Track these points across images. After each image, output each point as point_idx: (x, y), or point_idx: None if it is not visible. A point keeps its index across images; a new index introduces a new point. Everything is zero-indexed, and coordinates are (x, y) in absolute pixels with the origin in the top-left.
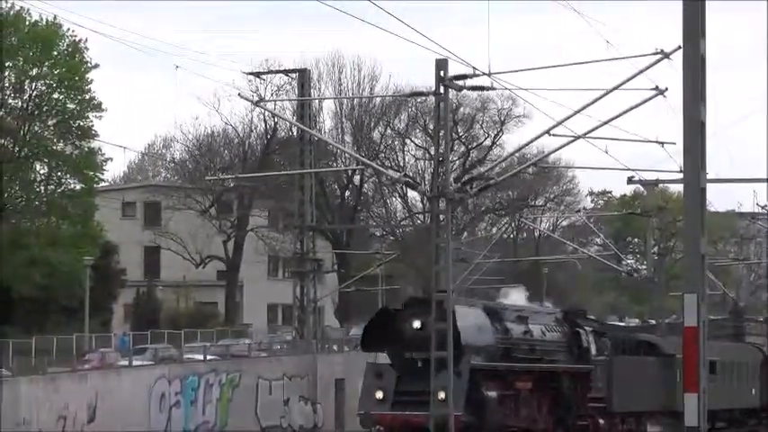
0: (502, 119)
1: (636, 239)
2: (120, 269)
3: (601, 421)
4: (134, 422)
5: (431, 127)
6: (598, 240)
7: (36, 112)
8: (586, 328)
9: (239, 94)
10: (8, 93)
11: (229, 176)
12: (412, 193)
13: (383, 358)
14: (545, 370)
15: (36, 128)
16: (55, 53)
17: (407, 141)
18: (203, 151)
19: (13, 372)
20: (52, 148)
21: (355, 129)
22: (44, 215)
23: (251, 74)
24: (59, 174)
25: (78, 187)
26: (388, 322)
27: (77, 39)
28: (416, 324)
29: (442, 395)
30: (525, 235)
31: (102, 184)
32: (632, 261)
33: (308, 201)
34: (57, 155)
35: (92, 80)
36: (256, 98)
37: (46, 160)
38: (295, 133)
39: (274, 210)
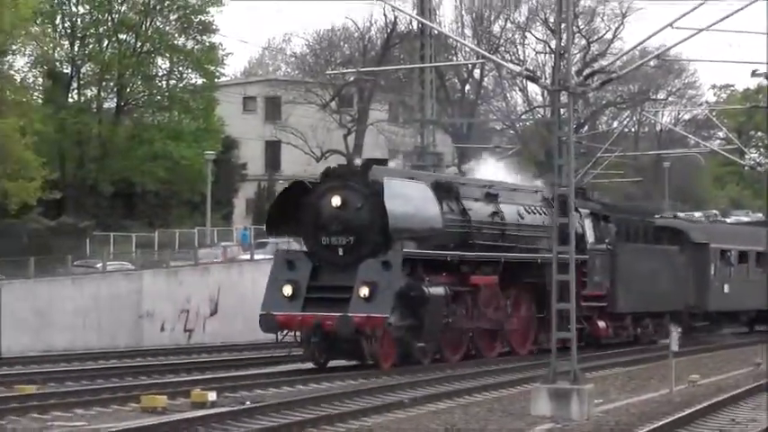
0: (623, 11)
1: (759, 133)
2: (241, 163)
3: (601, 324)
4: (256, 316)
5: (551, 20)
6: (720, 134)
7: (157, 7)
8: (582, 210)
9: None
10: None
11: (350, 71)
12: (532, 87)
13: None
14: (513, 260)
15: (158, 23)
16: None
17: (527, 35)
18: (323, 45)
19: (136, 265)
20: (174, 42)
21: (475, 22)
22: (166, 110)
23: None
24: (181, 68)
25: (200, 82)
26: (302, 199)
27: None
28: (336, 201)
29: (364, 291)
30: (647, 129)
31: (223, 78)
32: (756, 155)
33: (428, 94)
34: (178, 50)
35: None
36: None
37: (167, 55)
38: (415, 27)
39: (395, 104)
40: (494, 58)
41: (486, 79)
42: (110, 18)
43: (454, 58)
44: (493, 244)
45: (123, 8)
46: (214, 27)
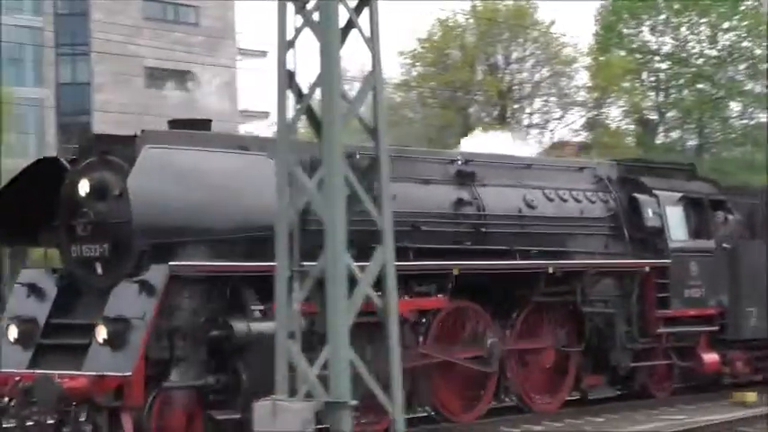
0: None
1: None
2: None
3: (708, 357)
4: None
5: None
6: None
7: (728, 59)
8: (661, 193)
9: None
10: (704, 44)
11: None
12: None
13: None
14: (485, 270)
15: (729, 72)
16: (742, 8)
17: None
18: None
19: None
20: (744, 88)
21: None
22: (741, 145)
23: None
24: (751, 110)
25: None
26: (49, 184)
27: None
28: (83, 187)
29: (103, 335)
30: None
31: None
32: None
33: None
34: (748, 94)
35: None
36: None
37: (740, 99)
38: None
39: None
40: None
41: None
42: (688, 71)
43: None
44: (451, 248)
45: (700, 61)
46: None
